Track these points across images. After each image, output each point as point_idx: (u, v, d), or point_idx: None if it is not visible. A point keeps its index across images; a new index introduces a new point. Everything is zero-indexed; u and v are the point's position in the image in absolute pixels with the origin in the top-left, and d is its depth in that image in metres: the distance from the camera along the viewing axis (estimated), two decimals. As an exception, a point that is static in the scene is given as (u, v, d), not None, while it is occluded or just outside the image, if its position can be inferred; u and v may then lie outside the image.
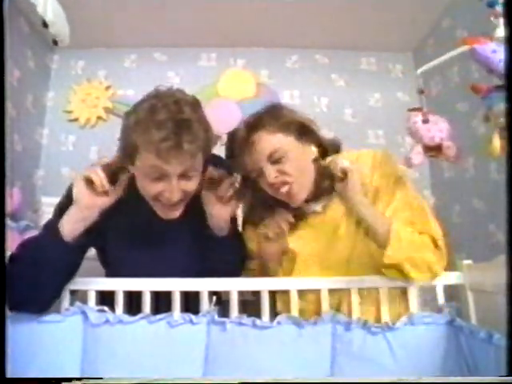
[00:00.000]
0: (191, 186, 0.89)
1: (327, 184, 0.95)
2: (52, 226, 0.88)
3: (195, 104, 0.87)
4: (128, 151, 0.86)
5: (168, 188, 0.86)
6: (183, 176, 0.86)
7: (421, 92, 0.93)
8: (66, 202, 0.90)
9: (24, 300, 0.84)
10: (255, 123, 0.93)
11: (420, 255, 0.86)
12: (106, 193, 0.88)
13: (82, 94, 2.76)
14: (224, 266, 0.97)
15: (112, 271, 1.05)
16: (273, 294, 0.98)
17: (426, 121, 0.88)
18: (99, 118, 2.72)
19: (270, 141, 0.90)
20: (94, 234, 0.91)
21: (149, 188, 0.88)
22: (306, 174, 0.93)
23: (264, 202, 0.98)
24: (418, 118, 0.89)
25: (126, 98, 2.67)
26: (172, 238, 1.01)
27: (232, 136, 0.96)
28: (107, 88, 2.77)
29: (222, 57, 2.84)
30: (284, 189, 0.91)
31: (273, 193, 0.93)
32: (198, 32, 2.67)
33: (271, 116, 0.94)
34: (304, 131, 0.95)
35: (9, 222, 2.01)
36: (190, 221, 0.97)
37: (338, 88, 2.86)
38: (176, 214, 0.93)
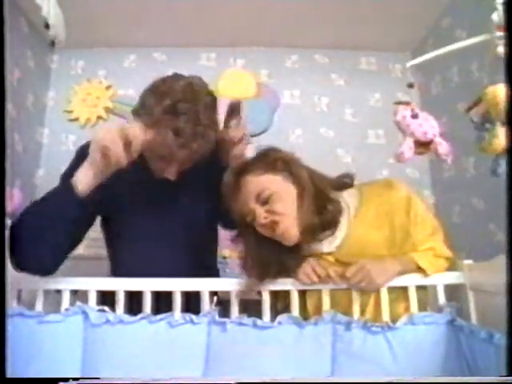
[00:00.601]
0: (191, 164, 0.95)
1: (326, 217, 0.92)
2: (65, 182, 0.87)
3: (213, 106, 0.94)
4: (144, 110, 0.89)
5: (167, 170, 0.94)
6: (185, 162, 0.93)
7: (410, 86, 0.93)
8: (78, 164, 0.87)
9: (31, 257, 0.83)
10: (242, 168, 0.93)
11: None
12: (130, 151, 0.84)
13: (83, 93, 2.76)
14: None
15: (116, 241, 1.08)
16: (274, 295, 0.97)
17: (415, 116, 0.88)
18: (99, 117, 2.72)
19: (256, 182, 0.90)
20: (99, 201, 0.90)
21: (149, 158, 0.93)
22: (294, 213, 0.90)
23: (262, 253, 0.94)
24: (406, 112, 0.89)
25: (126, 97, 2.68)
26: (173, 200, 1.03)
27: (223, 185, 0.95)
28: (107, 88, 2.77)
29: (222, 57, 2.84)
30: (278, 230, 0.89)
31: (267, 234, 0.91)
32: (197, 32, 2.67)
33: (257, 159, 0.94)
34: (290, 169, 0.93)
35: (9, 221, 2.01)
36: (189, 183, 1.01)
37: (338, 88, 2.86)
38: (173, 174, 0.97)
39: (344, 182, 1.00)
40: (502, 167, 0.89)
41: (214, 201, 0.98)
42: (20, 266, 0.83)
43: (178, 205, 1.05)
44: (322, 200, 0.92)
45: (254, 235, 0.93)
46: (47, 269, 0.86)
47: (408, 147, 0.89)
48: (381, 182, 1.02)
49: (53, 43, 1.21)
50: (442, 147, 0.89)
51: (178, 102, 0.86)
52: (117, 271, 1.09)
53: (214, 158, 0.99)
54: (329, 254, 0.95)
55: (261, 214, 0.89)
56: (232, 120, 1.00)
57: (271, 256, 0.92)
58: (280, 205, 0.89)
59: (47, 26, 1.17)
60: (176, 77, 0.96)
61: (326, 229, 0.94)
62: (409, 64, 0.91)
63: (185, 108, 0.86)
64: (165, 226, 1.04)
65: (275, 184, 0.90)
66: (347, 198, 0.97)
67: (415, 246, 0.95)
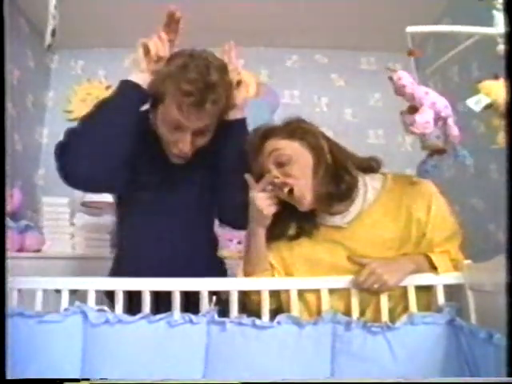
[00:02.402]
0: (202, 141, 0.99)
1: (342, 188, 0.93)
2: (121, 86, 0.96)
3: (223, 69, 0.96)
4: (154, 96, 0.95)
5: (182, 139, 0.95)
6: (197, 132, 0.95)
7: (410, 54, 0.92)
8: None
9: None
10: (266, 132, 0.98)
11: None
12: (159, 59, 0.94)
13: (82, 93, 2.76)
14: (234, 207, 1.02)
15: (127, 219, 1.12)
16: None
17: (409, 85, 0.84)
18: (99, 117, 2.72)
19: (275, 145, 0.94)
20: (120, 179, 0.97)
21: (165, 135, 0.98)
22: (308, 178, 0.92)
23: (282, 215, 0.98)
24: (407, 78, 0.85)
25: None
26: (184, 179, 1.07)
27: (247, 145, 1.00)
28: (107, 88, 2.76)
29: (222, 56, 2.84)
30: (285, 189, 0.91)
31: (281, 195, 0.94)
32: (197, 31, 2.66)
33: (281, 126, 0.99)
34: (309, 138, 0.95)
35: (9, 221, 2.02)
36: (199, 163, 1.04)
37: (338, 88, 2.86)
38: (183, 161, 1.02)
39: (370, 165, 1.01)
40: (429, 164, 0.89)
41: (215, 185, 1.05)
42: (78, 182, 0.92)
43: (188, 186, 1.09)
44: (339, 171, 0.93)
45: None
46: (107, 182, 0.94)
47: (430, 116, 0.82)
48: (408, 175, 1.03)
49: (49, 47, 1.21)
50: (454, 129, 0.86)
51: (189, 60, 0.92)
52: (125, 252, 1.12)
53: (222, 143, 1.03)
54: (340, 228, 0.96)
55: (274, 173, 0.92)
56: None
57: (289, 217, 0.97)
58: (295, 168, 0.92)
59: (54, 34, 1.18)
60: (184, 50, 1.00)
61: (342, 199, 0.95)
62: (409, 29, 0.90)
63: (196, 62, 0.92)
64: (175, 205, 1.08)
65: (292, 149, 0.93)
66: (370, 180, 0.98)
67: (431, 247, 0.95)
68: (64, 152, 0.89)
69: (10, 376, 0.68)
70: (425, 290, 0.94)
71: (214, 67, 0.93)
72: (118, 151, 0.91)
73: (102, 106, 0.94)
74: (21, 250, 2.02)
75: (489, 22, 0.85)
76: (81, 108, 2.73)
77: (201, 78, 0.89)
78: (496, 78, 0.81)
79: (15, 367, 0.70)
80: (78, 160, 0.88)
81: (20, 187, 2.26)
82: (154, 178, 1.06)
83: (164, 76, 0.92)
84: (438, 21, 2.46)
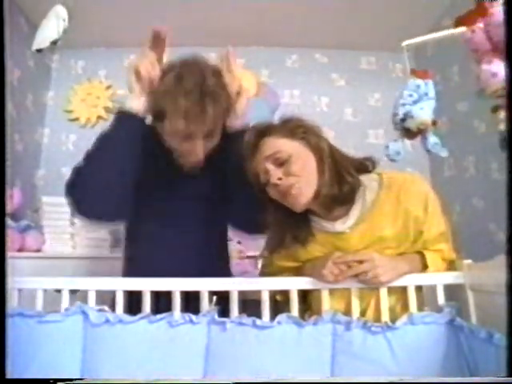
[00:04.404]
0: (213, 142, 0.99)
1: (345, 189, 0.92)
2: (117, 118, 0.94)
3: (217, 71, 0.96)
4: (155, 115, 0.95)
5: (194, 147, 0.95)
6: (207, 136, 0.95)
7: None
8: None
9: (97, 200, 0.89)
10: (263, 130, 0.95)
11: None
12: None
13: (83, 93, 2.76)
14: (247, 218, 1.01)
15: (138, 232, 1.11)
16: None
17: None
18: (100, 117, 2.72)
19: (274, 143, 0.92)
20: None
21: (177, 147, 0.98)
22: (311, 177, 0.91)
23: (276, 219, 0.96)
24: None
25: (126, 97, 2.68)
26: (195, 188, 1.07)
27: (244, 144, 0.98)
28: (107, 88, 2.77)
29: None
30: (291, 192, 0.89)
31: (278, 197, 0.92)
32: (197, 31, 2.67)
33: (280, 124, 0.96)
34: (310, 137, 0.94)
35: (9, 221, 2.02)
36: (207, 175, 1.05)
37: (338, 87, 2.86)
38: (197, 167, 1.01)
39: (365, 165, 1.00)
40: (430, 141, 0.89)
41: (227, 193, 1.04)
42: (89, 214, 0.93)
43: (198, 199, 1.09)
44: (341, 172, 0.92)
45: (269, 199, 0.94)
46: (113, 211, 0.94)
47: (502, 67, 0.80)
48: (403, 173, 1.03)
49: (38, 51, 1.22)
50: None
51: (182, 70, 0.92)
52: (136, 265, 1.11)
53: (229, 152, 1.02)
54: (341, 233, 0.95)
55: (275, 174, 0.90)
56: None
57: (286, 221, 0.95)
58: (296, 166, 0.90)
59: (55, 43, 1.19)
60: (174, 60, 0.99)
61: (344, 203, 0.94)
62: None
63: (190, 71, 0.91)
64: (186, 218, 1.08)
65: (292, 148, 0.91)
66: (367, 181, 0.97)
67: (426, 244, 0.95)
68: (73, 191, 0.91)
69: (10, 376, 0.68)
70: (416, 291, 0.93)
71: (209, 72, 0.93)
72: (124, 180, 0.91)
73: (103, 141, 0.93)
74: (21, 249, 2.02)
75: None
76: (81, 108, 2.74)
77: (197, 86, 0.89)
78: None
79: (15, 367, 0.70)
80: (87, 196, 0.89)
81: (20, 187, 2.27)
82: (164, 193, 1.06)
83: (161, 94, 0.91)
84: (438, 21, 2.46)
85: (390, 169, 1.03)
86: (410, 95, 0.94)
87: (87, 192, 0.89)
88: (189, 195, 1.07)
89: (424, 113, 0.86)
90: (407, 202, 0.94)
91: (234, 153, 1.00)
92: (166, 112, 0.92)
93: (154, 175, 1.04)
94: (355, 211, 0.95)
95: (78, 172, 0.92)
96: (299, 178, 0.89)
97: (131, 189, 0.93)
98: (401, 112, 0.86)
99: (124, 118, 0.93)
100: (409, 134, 0.88)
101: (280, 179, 0.89)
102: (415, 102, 0.89)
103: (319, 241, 0.97)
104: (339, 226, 0.95)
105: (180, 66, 0.94)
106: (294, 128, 0.94)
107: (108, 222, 1.01)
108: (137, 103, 0.93)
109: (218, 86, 0.93)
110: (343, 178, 0.92)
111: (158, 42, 0.94)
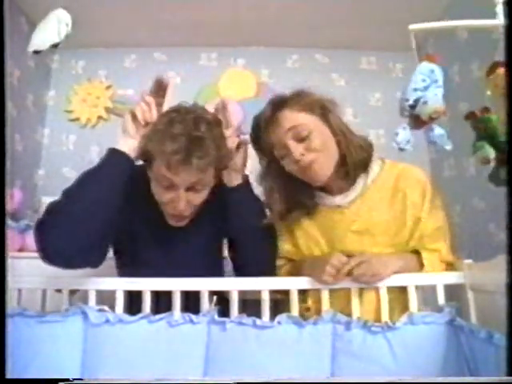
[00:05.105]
0: (199, 198, 0.94)
1: (355, 167, 0.96)
2: (108, 157, 0.90)
3: (213, 123, 0.92)
4: (145, 158, 0.92)
5: (176, 198, 0.91)
6: (191, 189, 0.91)
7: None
8: None
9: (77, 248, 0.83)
10: (280, 102, 0.96)
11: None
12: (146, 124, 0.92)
13: (83, 93, 2.77)
14: (255, 265, 1.00)
15: (126, 272, 1.07)
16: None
17: None
18: (100, 117, 2.73)
19: (293, 118, 0.93)
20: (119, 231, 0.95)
21: (159, 194, 0.94)
22: (330, 152, 0.94)
23: (286, 189, 0.98)
24: None
25: (126, 97, 2.68)
26: (185, 240, 1.04)
27: (258, 116, 0.99)
28: (108, 88, 2.77)
29: (222, 56, 2.84)
30: (313, 167, 0.92)
31: (296, 171, 0.94)
32: (197, 31, 2.67)
33: (296, 96, 0.96)
34: (327, 113, 0.96)
35: (9, 221, 2.02)
36: (203, 225, 1.03)
37: (339, 88, 2.86)
38: (183, 223, 0.98)
39: (369, 143, 1.03)
40: (435, 132, 0.87)
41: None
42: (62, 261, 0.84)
43: (190, 243, 1.06)
44: (354, 146, 0.96)
45: (280, 170, 0.96)
46: (92, 258, 0.89)
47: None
48: (404, 163, 1.05)
49: (36, 52, 1.22)
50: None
51: (176, 115, 0.90)
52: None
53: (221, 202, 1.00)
54: (340, 208, 0.98)
55: (297, 150, 0.91)
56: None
57: (295, 193, 0.97)
58: (317, 142, 0.92)
59: (56, 46, 1.19)
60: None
61: (356, 174, 0.97)
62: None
63: (183, 117, 0.89)
64: (175, 258, 1.05)
65: (312, 123, 0.93)
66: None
67: (422, 240, 0.96)
68: (40, 230, 0.83)
69: (10, 376, 0.68)
70: (400, 292, 0.93)
71: (203, 121, 0.90)
72: (102, 222, 0.86)
73: (86, 176, 0.88)
74: (21, 249, 2.02)
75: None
76: (81, 108, 2.75)
77: (185, 133, 0.86)
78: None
79: (15, 367, 0.70)
80: (55, 239, 0.82)
81: (20, 187, 2.27)
82: (154, 239, 1.03)
83: (150, 136, 0.89)
84: (439, 20, 2.46)
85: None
86: (423, 80, 0.85)
87: (55, 234, 0.81)
88: (177, 246, 1.04)
89: (438, 100, 0.83)
90: (405, 187, 0.97)
91: (234, 211, 0.99)
92: (153, 156, 0.89)
93: (140, 222, 1.02)
94: (356, 187, 0.98)
95: (50, 209, 0.86)
96: (320, 153, 0.92)
97: (111, 231, 0.90)
98: (411, 98, 0.83)
99: (113, 156, 0.89)
100: (417, 122, 0.84)
101: (303, 155, 0.91)
102: (426, 88, 0.84)
103: (317, 218, 1.00)
104: (339, 199, 0.99)
105: (176, 111, 0.92)
106: (312, 102, 0.95)
107: (78, 269, 0.89)
108: (130, 143, 0.90)
109: (210, 136, 0.89)
110: (357, 151, 0.96)
111: (159, 89, 0.94)
